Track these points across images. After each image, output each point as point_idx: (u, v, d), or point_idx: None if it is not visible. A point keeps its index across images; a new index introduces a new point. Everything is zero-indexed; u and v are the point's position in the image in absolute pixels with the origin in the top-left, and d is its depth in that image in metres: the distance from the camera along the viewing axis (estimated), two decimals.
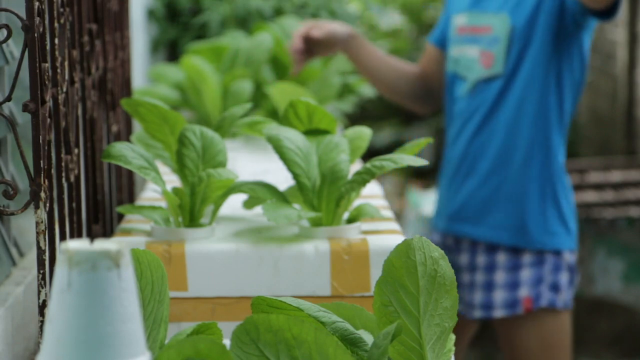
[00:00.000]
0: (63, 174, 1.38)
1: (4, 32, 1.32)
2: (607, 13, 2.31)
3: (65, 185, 1.39)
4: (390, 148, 4.76)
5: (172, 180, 1.82)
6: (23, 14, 1.23)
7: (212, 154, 1.59)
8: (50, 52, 1.31)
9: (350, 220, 1.60)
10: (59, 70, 1.34)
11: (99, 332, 0.87)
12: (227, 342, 1.12)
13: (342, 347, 1.04)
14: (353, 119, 4.22)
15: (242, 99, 2.51)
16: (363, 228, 1.60)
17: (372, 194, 1.88)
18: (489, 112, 2.46)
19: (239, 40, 2.84)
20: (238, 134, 2.28)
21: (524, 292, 2.43)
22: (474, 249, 2.50)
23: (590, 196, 4.12)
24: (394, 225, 1.64)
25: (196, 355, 0.99)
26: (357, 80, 2.92)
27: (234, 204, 1.74)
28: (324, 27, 2.58)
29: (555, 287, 2.45)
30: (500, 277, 2.45)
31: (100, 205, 1.68)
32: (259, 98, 2.68)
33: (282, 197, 1.60)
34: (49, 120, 1.28)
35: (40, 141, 1.25)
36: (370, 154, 1.91)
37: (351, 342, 1.11)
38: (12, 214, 1.29)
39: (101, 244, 0.89)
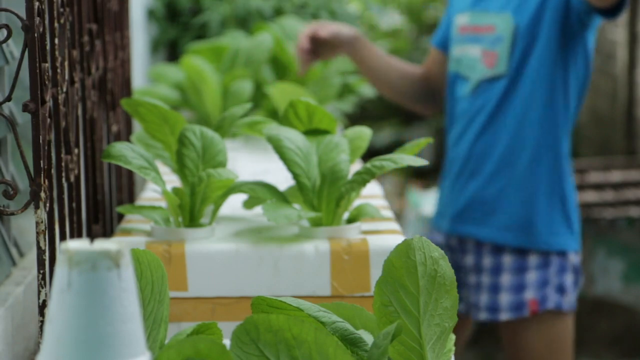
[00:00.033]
0: (63, 174, 1.38)
1: (4, 32, 1.32)
2: (613, 11, 2.30)
3: (65, 185, 1.39)
4: (390, 148, 4.76)
5: (172, 180, 1.82)
6: (23, 14, 1.23)
7: (212, 154, 1.59)
8: (50, 52, 1.31)
9: (350, 220, 1.60)
10: (59, 70, 1.34)
11: (99, 332, 0.87)
12: (227, 342, 1.12)
13: (342, 347, 1.04)
14: (353, 119, 4.22)
15: (242, 99, 2.51)
16: (363, 228, 1.60)
17: (372, 194, 1.88)
18: (493, 112, 2.45)
19: (239, 40, 2.84)
20: (238, 134, 2.28)
21: (529, 294, 2.42)
22: (479, 250, 2.48)
23: (590, 196, 4.12)
24: (394, 225, 1.64)
25: (196, 355, 0.99)
26: (357, 80, 2.92)
27: (234, 204, 1.74)
28: (329, 27, 2.59)
29: (561, 289, 2.44)
30: (506, 279, 2.44)
31: (100, 205, 1.68)
32: (259, 98, 2.68)
33: (282, 197, 1.60)
34: (49, 120, 1.28)
35: (40, 141, 1.25)
36: (370, 154, 1.91)
37: (351, 342, 1.11)
38: (12, 214, 1.29)
39: (101, 244, 0.89)
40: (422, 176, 5.60)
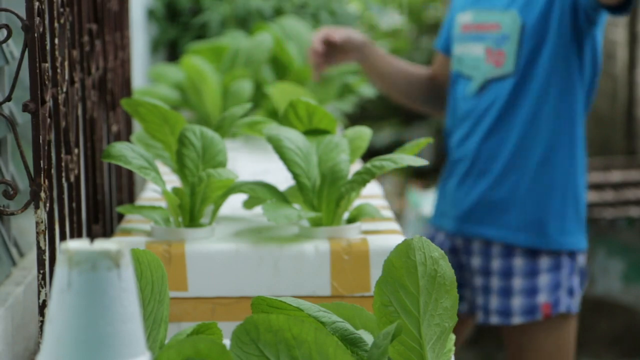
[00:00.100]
0: (63, 174, 1.38)
1: (4, 32, 1.32)
2: (621, 8, 2.27)
3: (65, 185, 1.39)
4: (390, 148, 4.76)
5: (172, 180, 1.82)
6: (23, 14, 1.23)
7: (212, 154, 1.59)
8: (50, 52, 1.31)
9: (350, 220, 1.60)
10: (59, 70, 1.34)
11: (99, 332, 0.87)
12: (227, 342, 1.12)
13: (342, 347, 1.04)
14: (353, 119, 4.22)
15: (242, 99, 2.51)
16: (363, 228, 1.60)
17: (372, 194, 1.88)
18: (502, 111, 2.42)
19: (239, 40, 2.84)
20: (238, 134, 2.29)
21: (542, 298, 2.40)
22: (487, 251, 2.45)
23: (590, 196, 4.12)
24: (394, 225, 1.64)
25: (196, 355, 0.99)
26: (357, 80, 2.92)
27: (234, 204, 1.74)
28: (341, 32, 2.59)
29: (570, 292, 2.43)
30: (517, 282, 2.41)
31: (100, 205, 1.68)
32: (259, 98, 2.68)
33: (282, 197, 1.60)
34: (49, 120, 1.28)
35: (40, 141, 1.25)
36: (370, 154, 1.91)
37: (351, 342, 1.11)
38: (12, 214, 1.29)
39: (101, 244, 0.89)
40: (422, 176, 5.60)
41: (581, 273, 2.46)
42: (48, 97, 1.28)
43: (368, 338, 1.14)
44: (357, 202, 1.66)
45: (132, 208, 1.61)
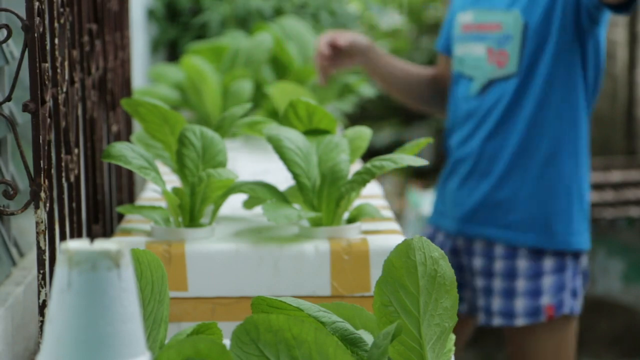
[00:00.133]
0: (63, 174, 1.38)
1: (4, 32, 1.32)
2: (624, 7, 2.26)
3: (65, 185, 1.39)
4: (390, 148, 4.76)
5: (172, 180, 1.82)
6: (23, 14, 1.23)
7: (212, 154, 1.59)
8: (50, 52, 1.32)
9: (350, 220, 1.60)
10: (59, 70, 1.34)
11: (99, 332, 0.87)
12: (227, 342, 1.12)
13: (342, 347, 1.04)
14: (353, 119, 4.22)
15: (242, 99, 2.51)
16: (363, 228, 1.60)
17: (372, 194, 1.88)
18: (506, 111, 2.41)
19: (239, 40, 2.84)
20: (238, 134, 2.29)
21: (546, 300, 2.39)
22: (490, 252, 2.44)
23: (590, 196, 4.12)
24: (394, 225, 1.64)
25: (196, 355, 0.99)
26: (357, 80, 2.92)
27: (234, 204, 1.74)
28: (346, 36, 2.59)
29: (574, 293, 2.42)
30: (521, 284, 2.40)
31: (100, 205, 1.68)
32: (259, 98, 2.68)
33: (282, 197, 1.60)
34: (49, 120, 1.28)
35: (40, 141, 1.25)
36: (370, 154, 1.91)
37: (351, 342, 1.11)
38: (12, 214, 1.29)
39: (101, 244, 0.89)
40: (422, 176, 5.60)
41: (584, 274, 2.45)
42: (48, 97, 1.28)
43: (368, 338, 1.14)
44: (357, 202, 1.66)
45: (132, 208, 1.61)
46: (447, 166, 2.58)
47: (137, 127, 2.10)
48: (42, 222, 1.25)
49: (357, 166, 1.91)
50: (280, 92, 2.45)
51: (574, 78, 2.39)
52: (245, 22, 3.47)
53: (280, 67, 2.81)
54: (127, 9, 2.07)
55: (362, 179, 1.54)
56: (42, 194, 1.25)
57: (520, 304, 2.40)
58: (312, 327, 1.04)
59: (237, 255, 1.51)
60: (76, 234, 1.45)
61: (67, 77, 1.40)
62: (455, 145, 2.53)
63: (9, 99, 1.26)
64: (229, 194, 1.60)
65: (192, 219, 1.58)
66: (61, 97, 1.36)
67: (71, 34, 1.47)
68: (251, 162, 2.20)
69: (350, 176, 1.57)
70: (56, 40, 1.33)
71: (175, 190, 1.56)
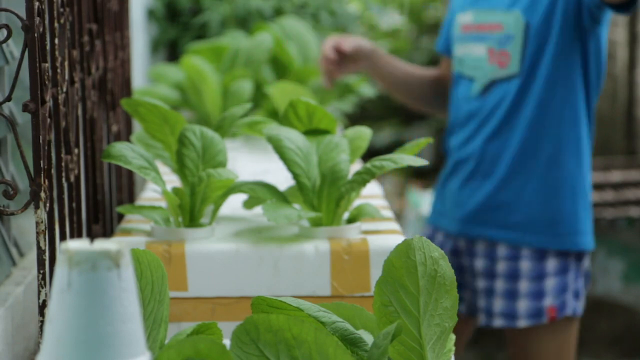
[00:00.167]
0: (63, 174, 1.38)
1: (4, 32, 1.32)
2: (625, 6, 2.24)
3: (65, 185, 1.39)
4: (390, 148, 4.76)
5: (172, 180, 1.82)
6: (23, 14, 1.23)
7: (212, 154, 1.59)
8: (50, 52, 1.32)
9: (350, 220, 1.60)
10: (59, 70, 1.34)
11: (99, 332, 0.87)
12: (227, 342, 1.12)
13: (342, 347, 1.04)
14: (353, 119, 4.22)
15: (242, 99, 2.51)
16: (363, 228, 1.60)
17: (372, 194, 1.88)
18: (508, 112, 2.40)
19: (239, 40, 2.84)
20: (238, 134, 2.29)
21: (548, 301, 2.38)
22: (492, 253, 2.43)
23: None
24: (394, 225, 1.64)
25: (196, 355, 0.99)
26: (357, 80, 2.92)
27: (234, 204, 1.74)
28: (350, 41, 2.58)
29: (576, 294, 2.42)
30: (524, 285, 2.39)
31: (100, 205, 1.68)
32: (259, 98, 2.68)
33: (282, 197, 1.60)
34: (49, 120, 1.28)
35: (40, 141, 1.25)
36: (370, 154, 1.91)
37: (351, 342, 1.11)
38: (12, 214, 1.29)
39: (101, 244, 0.89)
40: (422, 176, 5.60)
41: (585, 275, 2.45)
42: (48, 97, 1.28)
43: (368, 338, 1.14)
44: (357, 202, 1.66)
45: (132, 208, 1.61)
46: (447, 167, 2.57)
47: (137, 127, 2.10)
48: (42, 222, 1.25)
49: (357, 166, 1.91)
50: (280, 92, 2.45)
51: (576, 78, 2.38)
52: (245, 22, 3.47)
53: (280, 67, 2.81)
54: (127, 9, 2.07)
55: (362, 179, 1.54)
56: (42, 194, 1.25)
57: (523, 305, 2.39)
58: (312, 327, 1.04)
59: (237, 255, 1.51)
60: (76, 234, 1.45)
61: (67, 77, 1.40)
62: (456, 146, 2.52)
63: (9, 99, 1.26)
64: (229, 194, 1.60)
65: (192, 219, 1.58)
66: (61, 97, 1.36)
67: (71, 34, 1.47)
68: (251, 162, 2.21)
69: (350, 176, 1.57)
70: (56, 40, 1.33)
71: (175, 190, 1.56)
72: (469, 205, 2.46)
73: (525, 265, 2.40)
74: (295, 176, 1.57)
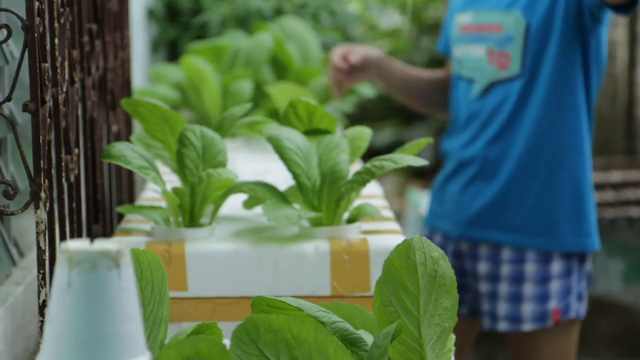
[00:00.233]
0: (63, 174, 1.38)
1: (4, 32, 1.32)
2: (626, 7, 2.23)
3: (65, 185, 1.39)
4: (390, 148, 4.75)
5: (172, 180, 1.82)
6: (23, 14, 1.23)
7: (212, 154, 1.59)
8: (50, 52, 1.32)
9: (350, 220, 1.60)
10: (59, 70, 1.34)
11: (99, 332, 0.87)
12: (227, 342, 1.12)
13: (342, 347, 1.04)
14: (353, 119, 4.22)
15: (242, 99, 2.51)
16: (363, 228, 1.60)
17: (372, 194, 1.88)
18: (511, 114, 2.38)
19: (239, 40, 2.84)
20: (238, 134, 2.29)
21: (553, 304, 2.37)
22: (496, 256, 2.41)
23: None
24: (394, 225, 1.64)
25: (196, 355, 0.99)
26: None
27: (234, 204, 1.74)
28: (358, 51, 2.58)
29: (579, 297, 2.41)
30: (529, 289, 2.38)
31: (100, 205, 1.68)
32: (259, 98, 2.68)
33: (282, 197, 1.60)
34: (49, 120, 1.28)
35: (40, 141, 1.25)
36: (370, 154, 1.91)
37: (351, 342, 1.11)
38: (12, 214, 1.29)
39: (101, 244, 0.89)
40: (422, 176, 5.60)
41: (588, 277, 2.44)
42: (48, 97, 1.28)
43: (368, 338, 1.14)
44: (357, 202, 1.66)
45: (132, 208, 1.61)
46: (447, 169, 2.55)
47: (137, 127, 2.10)
48: (42, 222, 1.25)
49: (357, 166, 1.91)
50: (280, 92, 2.45)
51: (577, 78, 2.37)
52: (245, 22, 3.47)
53: (280, 67, 2.81)
54: (127, 9, 2.07)
55: (362, 179, 1.54)
56: (42, 194, 1.25)
57: (528, 308, 2.38)
58: (312, 327, 1.04)
59: (237, 255, 1.51)
60: (76, 234, 1.45)
61: (67, 77, 1.40)
62: (457, 148, 2.50)
63: (9, 99, 1.26)
64: (229, 194, 1.60)
65: (192, 219, 1.58)
66: (61, 97, 1.36)
67: (71, 34, 1.47)
68: (251, 162, 2.21)
69: (350, 176, 1.57)
70: (56, 40, 1.33)
71: (175, 190, 1.56)
72: (471, 209, 2.44)
73: (530, 268, 2.38)
74: (295, 176, 1.57)
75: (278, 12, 3.52)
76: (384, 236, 1.56)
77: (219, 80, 2.60)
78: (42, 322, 1.26)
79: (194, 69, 2.56)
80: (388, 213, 1.72)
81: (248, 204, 1.69)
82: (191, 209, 1.58)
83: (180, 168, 1.59)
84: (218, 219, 1.66)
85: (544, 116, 2.37)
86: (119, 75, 1.95)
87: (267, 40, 2.70)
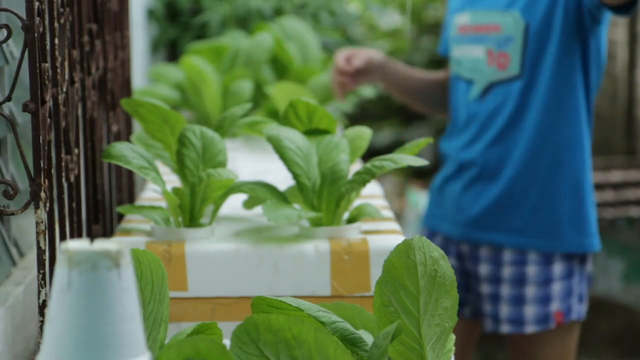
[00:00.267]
0: (63, 174, 1.38)
1: (4, 32, 1.32)
2: (625, 8, 2.21)
3: (65, 185, 1.39)
4: (390, 148, 4.75)
5: (172, 180, 1.82)
6: (23, 14, 1.23)
7: (212, 154, 1.59)
8: (50, 52, 1.32)
9: (350, 220, 1.60)
10: (59, 70, 1.34)
11: (99, 332, 0.87)
12: (227, 342, 1.12)
13: (342, 347, 1.04)
14: (353, 119, 4.22)
15: (242, 99, 2.51)
16: (363, 228, 1.60)
17: (372, 194, 1.88)
18: (512, 115, 2.37)
19: (239, 40, 2.84)
20: (238, 134, 2.29)
21: (555, 306, 2.36)
22: (497, 258, 2.40)
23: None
24: (394, 225, 1.64)
25: (196, 355, 0.99)
26: None
27: (234, 204, 1.74)
28: (362, 54, 2.57)
29: (580, 298, 2.41)
30: (531, 291, 2.37)
31: (100, 205, 1.68)
32: (259, 98, 2.68)
33: (282, 197, 1.60)
34: (49, 120, 1.28)
35: (40, 141, 1.25)
36: (370, 154, 1.91)
37: (351, 342, 1.11)
38: (12, 214, 1.29)
39: (101, 244, 0.89)
40: (422, 176, 5.60)
41: (588, 278, 2.44)
42: (48, 97, 1.28)
43: (368, 338, 1.14)
44: (357, 202, 1.66)
45: (132, 208, 1.61)
46: (446, 170, 2.53)
47: (137, 127, 2.10)
48: (42, 222, 1.25)
49: (357, 166, 1.91)
50: (280, 92, 2.45)
51: (576, 78, 2.35)
52: (245, 22, 3.47)
53: (280, 67, 2.81)
54: (127, 9, 2.07)
55: (362, 179, 1.54)
56: (42, 194, 1.25)
57: (530, 310, 2.37)
58: (312, 327, 1.04)
59: (237, 255, 1.51)
60: (76, 234, 1.46)
61: (67, 77, 1.40)
62: (456, 149, 2.49)
63: (9, 99, 1.26)
64: (229, 194, 1.60)
65: (192, 219, 1.58)
66: (61, 97, 1.36)
67: (71, 34, 1.47)
68: (251, 162, 2.21)
69: (350, 176, 1.57)
70: (56, 40, 1.33)
71: (175, 190, 1.56)
72: (472, 210, 2.43)
73: (532, 270, 2.38)
74: (295, 176, 1.57)
75: (278, 12, 3.52)
76: (384, 236, 1.56)
77: (219, 80, 2.60)
78: (42, 322, 1.26)
79: (194, 69, 2.56)
80: (388, 213, 1.72)
81: (248, 204, 1.69)
82: (191, 209, 1.58)
83: (180, 168, 1.59)
84: (218, 219, 1.66)
85: (545, 117, 2.35)
86: (119, 75, 1.95)
87: (267, 40, 2.70)
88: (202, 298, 1.51)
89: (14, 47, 1.59)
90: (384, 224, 1.64)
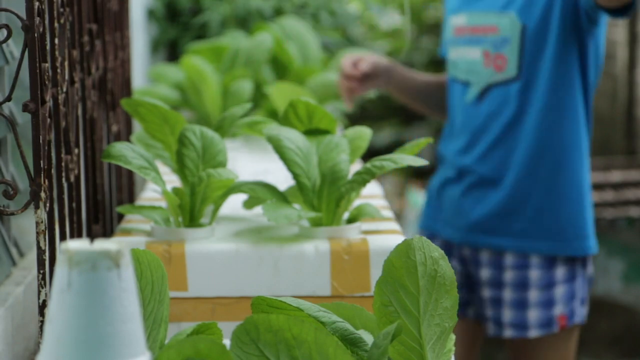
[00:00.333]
0: (63, 174, 1.38)
1: (4, 32, 1.32)
2: (621, 11, 2.21)
3: (65, 185, 1.39)
4: (390, 148, 4.75)
5: (172, 180, 1.82)
6: (23, 14, 1.23)
7: (212, 154, 1.59)
8: (50, 52, 1.32)
9: (350, 220, 1.60)
10: (59, 70, 1.34)
11: (99, 332, 0.87)
12: (227, 342, 1.12)
13: (342, 347, 1.04)
14: (353, 119, 4.22)
15: (242, 99, 2.51)
16: (363, 228, 1.60)
17: (372, 194, 1.88)
18: (511, 118, 2.36)
19: (239, 40, 2.84)
20: (238, 134, 2.29)
21: (558, 309, 2.35)
22: (499, 262, 2.39)
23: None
24: (394, 225, 1.64)
25: (196, 355, 0.99)
26: None
27: (234, 204, 1.74)
28: (368, 59, 2.57)
29: (582, 301, 2.40)
30: (533, 295, 2.36)
31: (100, 205, 1.68)
32: (259, 98, 2.68)
33: (282, 197, 1.60)
34: (49, 120, 1.28)
35: (40, 141, 1.25)
36: (370, 154, 1.91)
37: (351, 342, 1.11)
38: (12, 214, 1.29)
39: (101, 244, 0.89)
40: (422, 176, 5.60)
41: (589, 280, 2.43)
42: (48, 97, 1.28)
43: (368, 338, 1.14)
44: (357, 202, 1.66)
45: (132, 208, 1.61)
46: (444, 173, 2.51)
47: (137, 127, 2.10)
48: (42, 222, 1.25)
49: (357, 166, 1.91)
50: (280, 92, 2.45)
51: (575, 79, 2.34)
52: (245, 22, 3.47)
53: (280, 67, 2.81)
54: (127, 9, 2.07)
55: (362, 179, 1.54)
56: (42, 194, 1.25)
57: (534, 315, 2.36)
58: (312, 327, 1.04)
59: (237, 255, 1.51)
60: (76, 234, 1.46)
61: (67, 77, 1.40)
62: (454, 153, 2.47)
63: (9, 99, 1.26)
64: (229, 194, 1.60)
65: (192, 219, 1.58)
66: (61, 97, 1.36)
67: (71, 34, 1.47)
68: (251, 162, 2.21)
69: (350, 176, 1.57)
70: (56, 40, 1.33)
71: (175, 190, 1.56)
72: (473, 214, 2.41)
73: (535, 273, 2.36)
74: (295, 176, 1.57)
75: (278, 12, 3.52)
76: (384, 236, 1.56)
77: (219, 80, 2.60)
78: (42, 322, 1.26)
79: (194, 69, 2.56)
80: (388, 213, 1.72)
81: (248, 204, 1.69)
82: (191, 209, 1.58)
83: (180, 168, 1.59)
84: (218, 219, 1.66)
85: (544, 119, 2.34)
86: (119, 75, 1.95)
87: (267, 40, 2.70)
88: (202, 298, 1.51)
89: (14, 47, 1.59)
90: (384, 224, 1.64)
